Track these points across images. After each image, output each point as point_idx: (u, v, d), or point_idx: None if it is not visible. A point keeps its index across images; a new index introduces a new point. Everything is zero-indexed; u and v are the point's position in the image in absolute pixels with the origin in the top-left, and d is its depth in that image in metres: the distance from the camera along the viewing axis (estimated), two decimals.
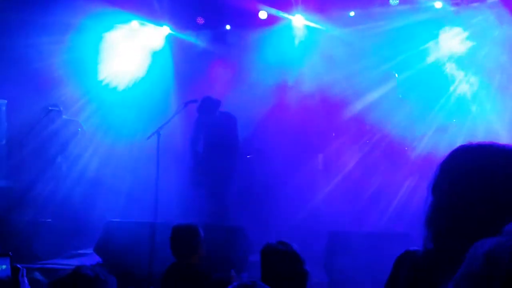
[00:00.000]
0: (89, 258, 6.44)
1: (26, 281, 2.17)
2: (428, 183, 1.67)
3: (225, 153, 6.86)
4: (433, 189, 1.66)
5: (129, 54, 8.66)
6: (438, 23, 7.35)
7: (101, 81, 8.48)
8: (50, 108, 7.44)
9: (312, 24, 8.17)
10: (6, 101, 8.02)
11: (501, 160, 1.60)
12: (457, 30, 7.21)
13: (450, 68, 7.23)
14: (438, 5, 7.39)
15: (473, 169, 1.60)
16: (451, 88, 7.15)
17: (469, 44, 7.10)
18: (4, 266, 2.15)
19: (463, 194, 1.57)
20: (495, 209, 1.50)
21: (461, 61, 7.18)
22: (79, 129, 7.66)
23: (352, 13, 7.95)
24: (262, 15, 8.18)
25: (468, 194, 1.56)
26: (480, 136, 5.93)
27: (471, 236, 1.23)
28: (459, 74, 7.15)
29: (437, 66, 7.28)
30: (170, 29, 8.71)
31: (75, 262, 6.34)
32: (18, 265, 2.19)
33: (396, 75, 6.85)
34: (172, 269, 4.13)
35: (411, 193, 6.25)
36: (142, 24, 8.66)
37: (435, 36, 7.31)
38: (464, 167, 1.62)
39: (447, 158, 1.69)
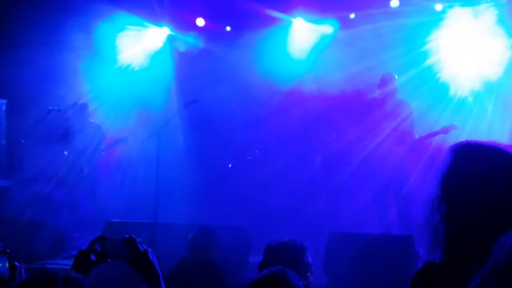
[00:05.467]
0: None
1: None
2: (433, 192, 1.59)
3: None
4: (445, 197, 1.57)
5: (129, 55, 8.66)
6: (439, 24, 7.35)
7: (102, 82, 8.47)
8: (50, 108, 7.44)
9: (312, 26, 8.18)
10: (5, 100, 8.02)
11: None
12: (458, 31, 7.23)
13: (451, 69, 7.23)
14: (439, 7, 7.40)
15: (489, 173, 1.53)
16: (453, 89, 7.16)
17: (470, 44, 7.11)
18: (1, 264, 2.08)
19: (482, 200, 1.50)
20: None
21: (463, 63, 7.19)
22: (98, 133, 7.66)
23: (352, 15, 7.95)
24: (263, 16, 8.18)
25: (487, 199, 1.49)
26: (481, 136, 5.92)
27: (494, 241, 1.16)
28: (461, 75, 7.15)
29: (439, 67, 7.29)
30: (170, 30, 8.71)
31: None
32: (16, 263, 2.13)
33: (396, 76, 6.82)
34: (185, 263, 4.23)
35: (412, 195, 6.24)
36: (142, 25, 8.66)
37: (437, 38, 7.32)
38: (478, 172, 1.54)
39: (456, 164, 1.58)
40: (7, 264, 2.08)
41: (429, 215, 1.56)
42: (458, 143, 1.64)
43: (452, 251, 1.52)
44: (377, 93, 6.66)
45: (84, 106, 7.66)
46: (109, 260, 2.16)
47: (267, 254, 2.97)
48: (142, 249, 2.11)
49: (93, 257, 2.14)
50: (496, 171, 1.52)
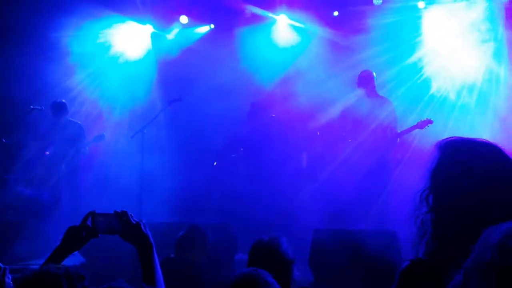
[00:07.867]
0: (73, 258, 6.34)
1: (8, 281, 2.08)
2: (420, 185, 1.60)
3: None
4: (433, 190, 1.59)
5: (112, 53, 8.58)
6: (421, 22, 7.41)
7: (85, 80, 8.39)
8: (32, 107, 7.33)
9: (296, 24, 8.19)
10: None
11: (501, 157, 1.57)
12: (440, 28, 7.29)
13: (434, 66, 7.29)
14: (421, 5, 7.46)
15: (475, 166, 1.54)
16: (435, 86, 7.21)
17: (453, 42, 7.17)
18: None
19: (468, 192, 1.52)
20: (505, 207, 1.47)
21: (445, 59, 7.25)
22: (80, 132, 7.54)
23: (336, 13, 7.98)
24: (247, 14, 8.16)
25: (474, 192, 1.51)
26: (463, 133, 5.96)
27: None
28: (444, 72, 7.21)
29: (422, 64, 7.34)
30: (153, 27, 8.65)
31: None
32: (1, 264, 2.10)
33: (374, 74, 6.80)
34: (169, 262, 4.19)
35: (396, 190, 6.28)
36: (125, 22, 8.57)
37: (419, 35, 7.37)
38: (465, 165, 1.55)
39: (443, 158, 1.60)
40: None
41: (417, 206, 1.58)
42: (446, 138, 1.66)
43: (438, 244, 1.53)
44: (356, 91, 6.67)
45: (63, 105, 7.54)
46: (99, 235, 2.19)
47: (252, 255, 2.97)
48: (134, 222, 2.14)
49: (84, 233, 2.17)
50: (482, 165, 1.54)
